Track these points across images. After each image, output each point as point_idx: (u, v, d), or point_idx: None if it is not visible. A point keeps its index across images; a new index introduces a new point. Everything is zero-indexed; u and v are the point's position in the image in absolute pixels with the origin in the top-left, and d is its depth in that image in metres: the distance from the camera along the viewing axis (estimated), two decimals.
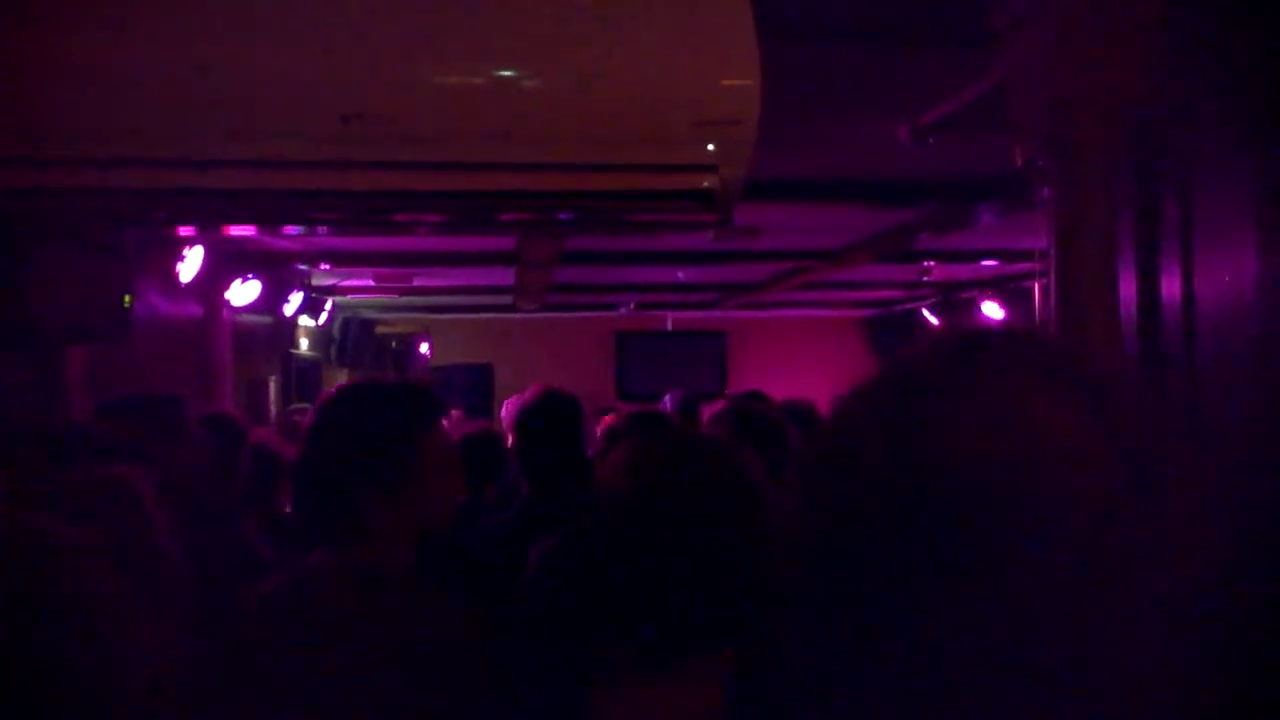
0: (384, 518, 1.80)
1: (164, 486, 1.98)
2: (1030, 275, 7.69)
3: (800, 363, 11.30)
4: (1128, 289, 2.75)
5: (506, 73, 1.95)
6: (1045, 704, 0.66)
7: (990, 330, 0.82)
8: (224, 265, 6.10)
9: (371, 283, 8.13)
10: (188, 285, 5.46)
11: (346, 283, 8.12)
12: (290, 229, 4.77)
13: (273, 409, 7.60)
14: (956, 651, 0.67)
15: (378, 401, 1.89)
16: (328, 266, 7.16)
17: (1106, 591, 0.66)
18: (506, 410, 5.26)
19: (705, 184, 1.98)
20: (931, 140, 4.03)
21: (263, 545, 2.85)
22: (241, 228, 4.07)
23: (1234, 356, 2.44)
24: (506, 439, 3.88)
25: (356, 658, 1.68)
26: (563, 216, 2.03)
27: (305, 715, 1.63)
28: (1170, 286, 2.69)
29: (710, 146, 1.94)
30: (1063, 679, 0.66)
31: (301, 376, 8.76)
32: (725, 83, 1.94)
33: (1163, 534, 0.69)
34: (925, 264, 7.39)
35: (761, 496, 1.25)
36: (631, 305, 10.28)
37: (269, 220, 2.48)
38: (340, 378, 10.40)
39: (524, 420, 2.96)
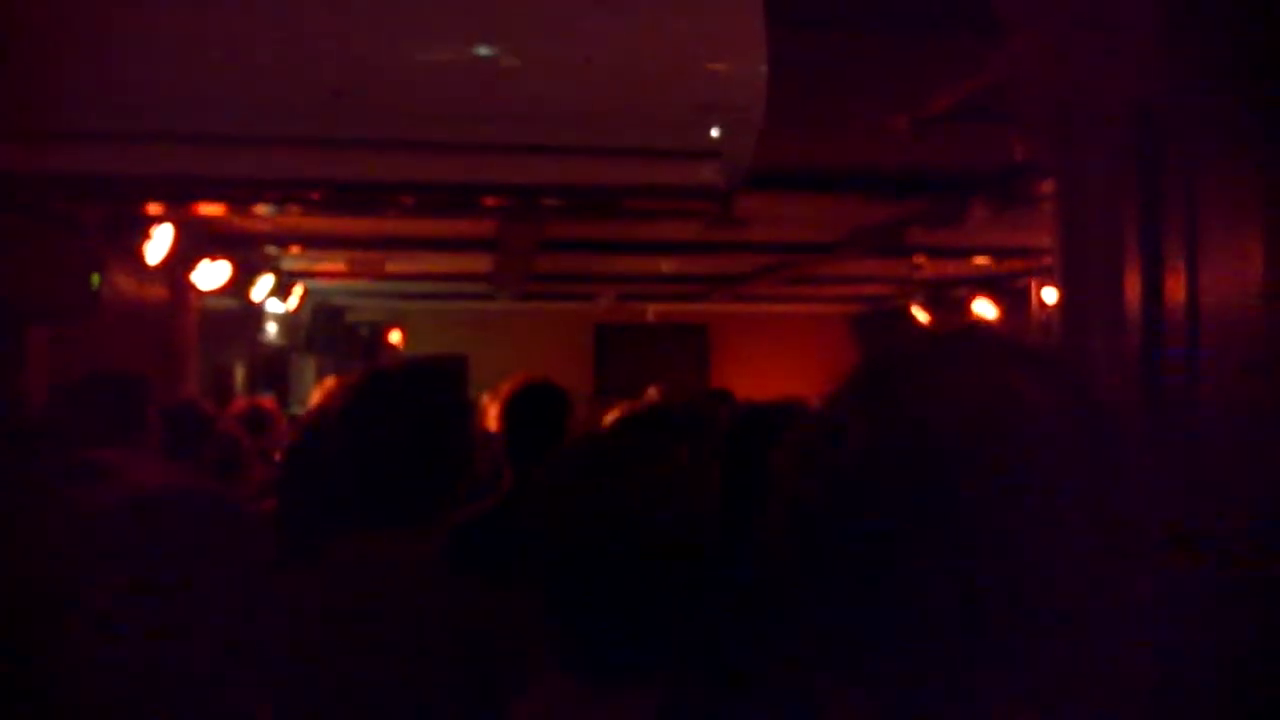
0: (448, 500, 1.80)
1: None
2: (1023, 273, 7.74)
3: (784, 358, 11.31)
4: (1132, 286, 2.77)
5: (509, 49, 1.93)
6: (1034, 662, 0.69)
7: (964, 325, 0.87)
8: (192, 247, 6.03)
9: (342, 267, 8.07)
10: (154, 267, 5.40)
11: (317, 267, 8.06)
12: (261, 208, 4.72)
13: (239, 397, 7.54)
14: (949, 616, 0.69)
15: (433, 379, 1.88)
16: (299, 250, 7.10)
17: (1090, 565, 0.69)
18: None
19: (707, 173, 1.97)
20: (929, 133, 4.05)
21: None
22: (212, 206, 4.03)
23: (1236, 355, 2.46)
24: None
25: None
26: (554, 201, 2.01)
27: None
28: (1174, 284, 2.70)
29: (714, 133, 1.93)
30: (1048, 645, 0.69)
31: (268, 364, 8.70)
32: (732, 68, 1.93)
33: (1137, 519, 0.72)
34: (915, 259, 7.40)
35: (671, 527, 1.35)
36: (612, 296, 10.25)
37: (245, 200, 2.46)
38: (308, 365, 10.32)
39: (511, 408, 2.99)
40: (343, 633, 1.75)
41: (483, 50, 1.95)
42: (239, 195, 2.37)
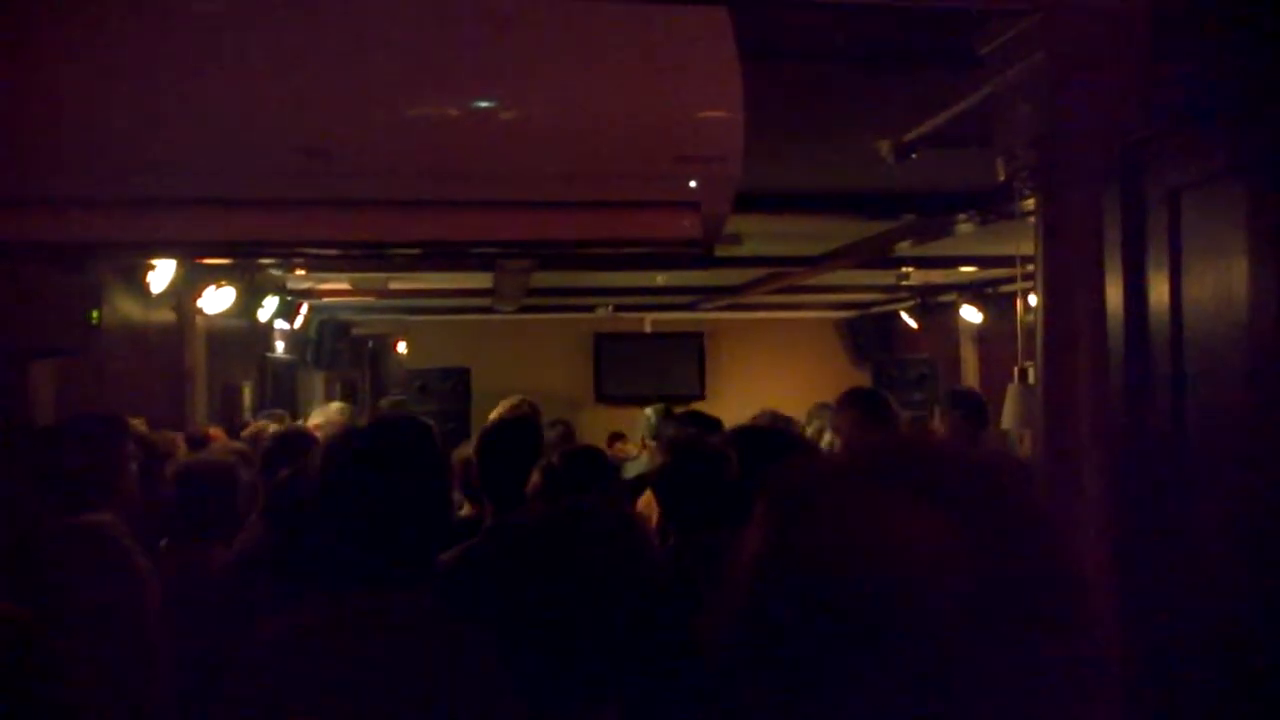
0: (429, 553, 1.78)
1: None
2: (1007, 280, 7.65)
3: (778, 362, 11.24)
4: (1114, 300, 2.69)
5: (480, 105, 1.83)
6: None
7: (869, 447, 0.84)
8: (196, 272, 5.94)
9: (347, 286, 7.98)
10: (160, 293, 5.33)
11: (322, 286, 7.97)
12: None
13: (247, 414, 7.44)
14: None
15: (425, 430, 1.84)
16: (303, 272, 7.01)
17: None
18: None
19: (686, 223, 1.88)
20: (913, 156, 3.96)
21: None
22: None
23: (1222, 363, 2.36)
24: None
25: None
26: (537, 253, 1.91)
27: None
28: (1158, 295, 2.61)
29: (692, 184, 1.84)
30: None
31: (277, 380, 8.62)
32: (708, 117, 1.83)
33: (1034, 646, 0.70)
34: (903, 269, 7.32)
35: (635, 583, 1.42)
36: (610, 307, 10.16)
37: (235, 255, 2.37)
38: (316, 380, 10.23)
39: (485, 446, 2.93)
40: (340, 690, 1.68)
41: (461, 106, 1.85)
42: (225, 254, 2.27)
